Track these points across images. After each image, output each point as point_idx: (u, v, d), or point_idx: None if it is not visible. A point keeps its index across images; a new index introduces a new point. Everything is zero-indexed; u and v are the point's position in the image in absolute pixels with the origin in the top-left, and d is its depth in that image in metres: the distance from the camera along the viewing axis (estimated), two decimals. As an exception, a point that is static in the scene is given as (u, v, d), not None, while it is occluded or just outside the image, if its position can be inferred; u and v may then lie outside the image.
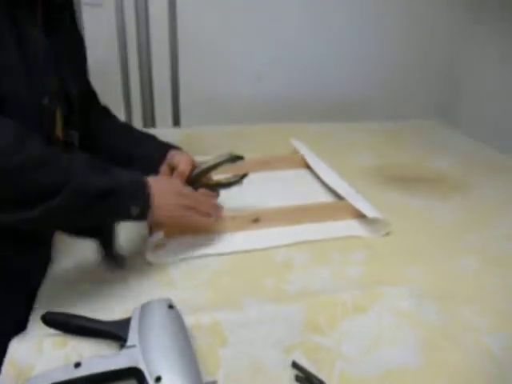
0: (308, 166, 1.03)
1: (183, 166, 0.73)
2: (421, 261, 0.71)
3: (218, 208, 0.72)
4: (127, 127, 0.83)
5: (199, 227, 0.73)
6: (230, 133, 1.24)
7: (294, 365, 0.52)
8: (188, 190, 0.69)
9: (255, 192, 0.90)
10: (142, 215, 0.59)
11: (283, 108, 1.74)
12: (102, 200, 0.53)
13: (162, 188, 0.64)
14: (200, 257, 0.69)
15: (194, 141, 1.17)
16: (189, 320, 0.53)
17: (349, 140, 1.25)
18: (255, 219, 0.77)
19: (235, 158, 0.75)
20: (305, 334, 0.55)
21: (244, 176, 0.78)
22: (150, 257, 0.68)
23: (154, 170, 0.75)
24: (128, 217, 0.57)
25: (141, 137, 0.80)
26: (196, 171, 0.75)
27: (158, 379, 0.43)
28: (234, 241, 0.74)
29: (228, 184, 0.77)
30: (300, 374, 0.51)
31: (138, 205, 0.58)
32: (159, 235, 0.67)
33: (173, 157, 0.75)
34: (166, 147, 0.78)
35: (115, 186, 0.55)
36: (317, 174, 0.98)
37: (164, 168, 0.76)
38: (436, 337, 0.56)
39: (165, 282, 0.63)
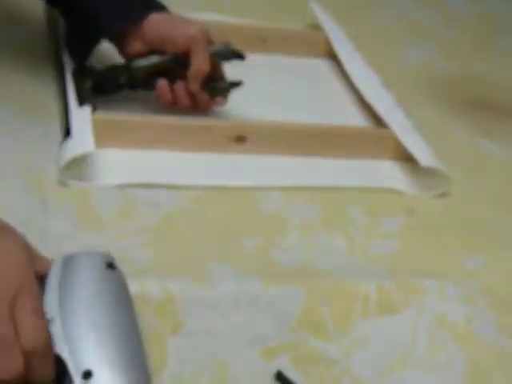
0: (333, 55, 1.05)
1: (201, 62, 0.78)
2: (489, 245, 0.76)
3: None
4: None
5: None
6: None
7: (279, 377, 0.58)
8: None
9: (241, 91, 0.92)
10: None
11: None
12: None
13: None
14: (144, 186, 0.73)
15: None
16: (131, 287, 0.55)
17: (410, 17, 1.27)
18: (239, 137, 0.81)
19: (231, 55, 0.81)
20: (299, 332, 0.61)
21: (237, 84, 0.82)
22: (64, 174, 0.70)
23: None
24: None
25: None
26: None
27: (87, 375, 0.46)
28: (200, 168, 0.79)
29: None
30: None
31: None
32: (86, 142, 0.70)
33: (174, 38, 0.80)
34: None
35: None
36: (346, 72, 1.00)
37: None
38: (490, 365, 0.63)
39: (87, 220, 0.67)
